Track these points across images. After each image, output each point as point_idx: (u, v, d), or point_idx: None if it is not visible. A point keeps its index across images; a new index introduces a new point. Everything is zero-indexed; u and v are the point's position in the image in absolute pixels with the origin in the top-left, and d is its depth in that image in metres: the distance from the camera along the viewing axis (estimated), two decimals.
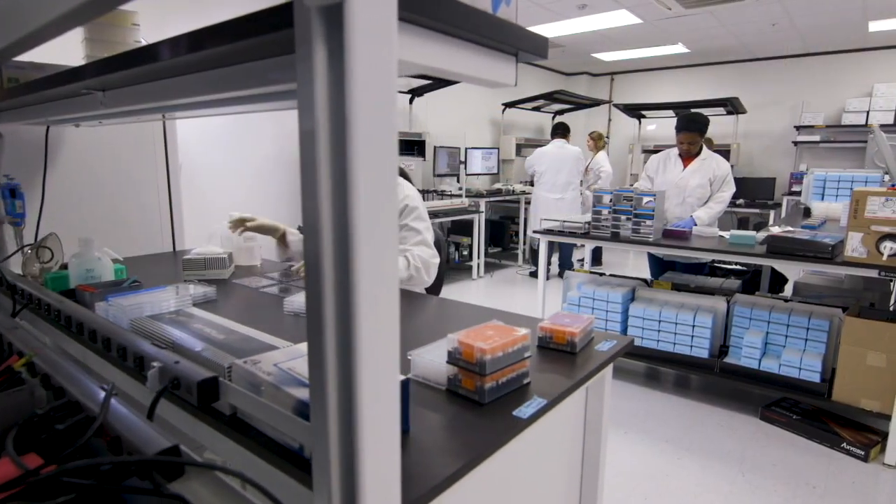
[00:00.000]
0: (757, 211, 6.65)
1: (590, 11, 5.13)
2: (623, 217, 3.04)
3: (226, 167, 4.21)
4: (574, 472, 1.22)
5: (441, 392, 0.94)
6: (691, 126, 3.38)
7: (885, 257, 2.23)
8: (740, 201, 6.71)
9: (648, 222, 2.95)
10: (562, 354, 1.12)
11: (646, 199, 2.98)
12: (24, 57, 1.49)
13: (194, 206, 2.88)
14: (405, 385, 0.79)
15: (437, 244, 2.19)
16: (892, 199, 2.23)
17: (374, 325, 0.39)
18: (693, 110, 3.65)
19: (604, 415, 1.18)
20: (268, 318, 1.37)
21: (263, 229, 1.89)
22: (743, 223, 6.65)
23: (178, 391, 0.80)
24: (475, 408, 0.89)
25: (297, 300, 1.40)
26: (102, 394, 0.75)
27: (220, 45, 0.67)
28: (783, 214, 6.05)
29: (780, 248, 2.51)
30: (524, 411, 0.86)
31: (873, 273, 2.30)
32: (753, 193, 6.80)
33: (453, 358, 0.92)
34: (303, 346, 0.88)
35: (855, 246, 2.30)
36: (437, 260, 1.80)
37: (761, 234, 2.75)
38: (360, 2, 0.34)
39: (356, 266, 0.36)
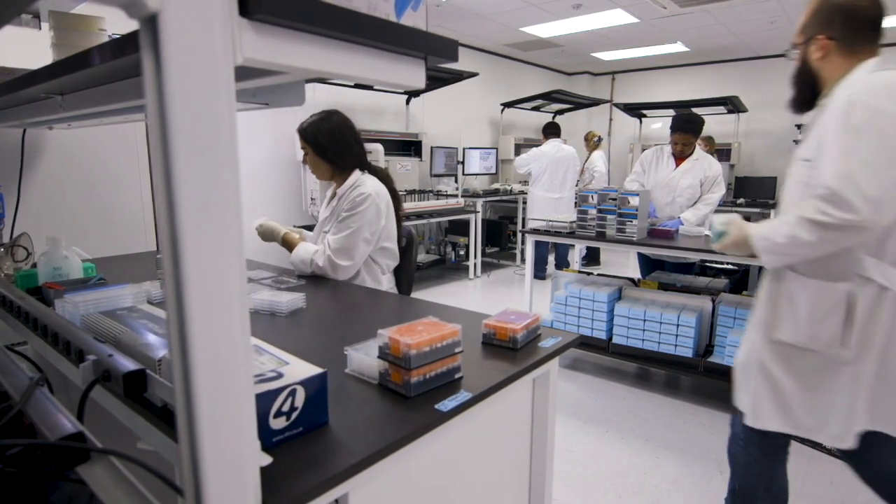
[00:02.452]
0: (758, 210, 6.59)
1: (585, 11, 5.13)
2: (608, 216, 3.05)
3: None
4: (523, 466, 1.24)
5: (374, 386, 0.97)
6: (686, 127, 3.37)
7: None
8: (741, 201, 6.67)
9: (633, 222, 2.95)
10: (504, 350, 1.14)
11: (630, 199, 2.99)
12: None
13: None
14: (322, 378, 0.82)
15: (409, 244, 2.22)
16: None
17: (206, 316, 0.42)
18: (689, 111, 3.64)
19: (549, 409, 1.20)
20: None
21: (267, 234, 2.04)
22: None
23: (110, 383, 0.83)
24: (402, 401, 0.91)
25: (257, 298, 1.43)
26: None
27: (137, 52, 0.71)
28: None
29: None
30: (447, 405, 0.89)
31: None
32: (755, 193, 6.75)
33: (383, 353, 0.94)
34: None
35: None
36: (345, 263, 1.87)
37: None
38: (173, 13, 0.36)
39: (185, 263, 0.39)
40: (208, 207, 0.41)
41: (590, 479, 2.24)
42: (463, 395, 0.92)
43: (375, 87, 5.46)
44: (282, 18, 0.55)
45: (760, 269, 3.72)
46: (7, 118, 1.52)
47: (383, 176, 2.04)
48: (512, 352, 1.14)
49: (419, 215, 5.07)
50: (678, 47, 6.66)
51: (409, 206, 5.09)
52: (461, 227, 6.02)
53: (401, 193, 5.42)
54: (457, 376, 0.99)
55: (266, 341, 0.96)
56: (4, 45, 1.70)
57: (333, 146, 1.91)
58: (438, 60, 0.77)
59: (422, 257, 5.73)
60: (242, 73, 0.71)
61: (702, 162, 3.46)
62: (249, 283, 1.74)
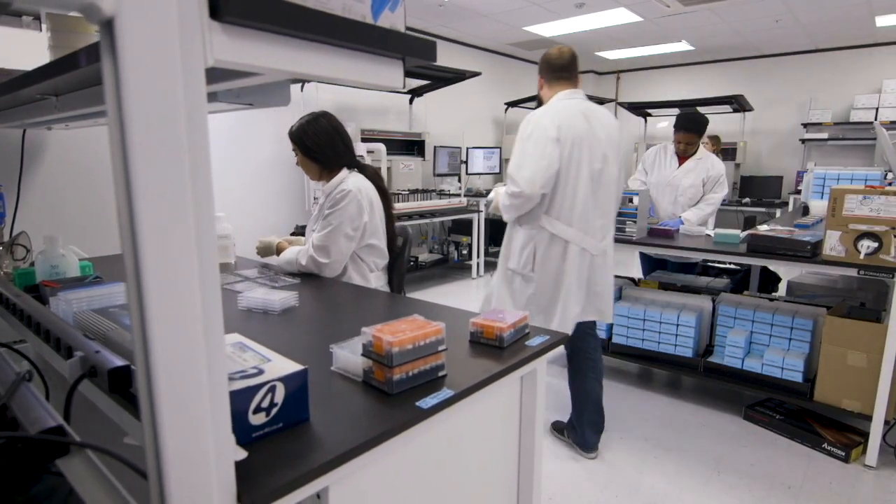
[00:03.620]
0: (764, 210, 6.56)
1: (588, 10, 5.12)
2: None
3: (224, 167, 4.30)
4: (511, 464, 1.24)
5: (358, 383, 0.98)
6: (689, 126, 3.35)
7: (862, 256, 2.20)
8: (746, 200, 6.63)
9: (633, 221, 2.95)
10: (490, 349, 1.15)
11: (631, 199, 2.98)
12: None
13: None
14: (303, 375, 0.83)
15: (404, 243, 2.23)
16: (870, 197, 2.20)
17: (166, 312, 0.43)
18: (693, 110, 3.62)
19: (536, 407, 1.21)
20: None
21: (265, 251, 2.13)
22: (749, 222, 6.56)
23: (96, 379, 0.85)
24: (384, 398, 0.92)
25: (250, 296, 1.45)
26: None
27: None
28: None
29: (760, 246, 2.50)
30: (427, 402, 0.89)
31: (852, 272, 2.27)
32: (760, 192, 6.70)
33: (367, 350, 0.95)
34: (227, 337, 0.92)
35: (833, 244, 2.28)
36: (326, 260, 1.88)
37: (745, 233, 2.73)
38: (129, 18, 0.37)
39: (142, 260, 0.40)
40: (169, 208, 0.42)
41: (589, 479, 2.24)
42: (445, 393, 0.93)
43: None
44: (253, 21, 0.56)
45: (767, 269, 3.72)
46: (7, 119, 1.54)
47: (371, 174, 2.07)
48: (498, 350, 1.14)
49: (422, 215, 5.08)
50: (683, 46, 6.62)
51: (412, 205, 5.10)
52: (464, 227, 6.03)
53: (403, 193, 5.43)
54: (440, 374, 0.99)
55: (257, 339, 0.97)
56: (6, 47, 1.73)
57: (320, 147, 1.95)
58: (417, 61, 0.78)
59: (424, 257, 5.74)
60: (221, 74, 0.72)
61: (705, 161, 3.44)
62: (244, 281, 1.76)
